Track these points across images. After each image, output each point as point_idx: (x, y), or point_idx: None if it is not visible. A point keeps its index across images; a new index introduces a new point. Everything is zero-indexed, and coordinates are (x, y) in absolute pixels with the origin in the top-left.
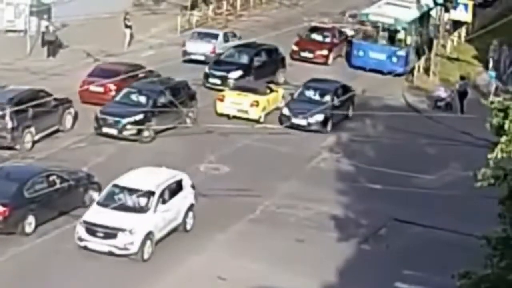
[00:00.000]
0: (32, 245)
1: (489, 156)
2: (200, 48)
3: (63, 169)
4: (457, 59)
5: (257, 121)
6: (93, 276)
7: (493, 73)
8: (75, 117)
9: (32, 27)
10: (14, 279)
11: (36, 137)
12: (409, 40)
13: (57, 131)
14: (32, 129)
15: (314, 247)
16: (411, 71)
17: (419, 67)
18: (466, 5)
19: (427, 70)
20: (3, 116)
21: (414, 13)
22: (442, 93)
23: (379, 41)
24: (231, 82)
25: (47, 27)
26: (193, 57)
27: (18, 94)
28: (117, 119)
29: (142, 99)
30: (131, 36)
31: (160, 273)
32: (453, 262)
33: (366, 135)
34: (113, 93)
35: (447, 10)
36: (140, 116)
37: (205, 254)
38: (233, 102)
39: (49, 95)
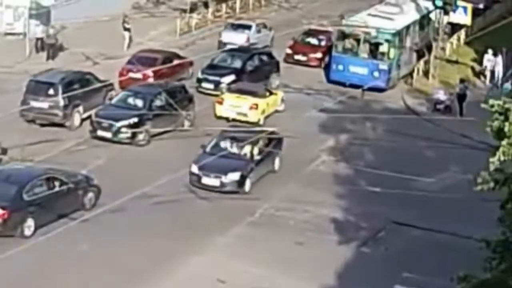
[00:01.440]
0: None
1: (491, 159)
2: (235, 39)
3: (63, 172)
4: (456, 62)
5: (256, 124)
6: (92, 278)
7: (509, 86)
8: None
9: (32, 30)
10: (12, 281)
11: (84, 115)
12: (392, 53)
13: None
14: (81, 108)
15: (313, 250)
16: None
17: (418, 69)
18: (465, 8)
19: (426, 73)
20: (55, 95)
21: (399, 24)
22: (441, 95)
23: (360, 54)
24: (224, 87)
25: (47, 30)
26: (228, 46)
27: (69, 75)
28: (111, 122)
29: (138, 102)
30: (130, 39)
31: (159, 275)
32: (453, 265)
33: (366, 138)
34: (151, 79)
35: (446, 13)
36: (134, 120)
37: (205, 257)
38: (232, 105)
39: (95, 77)
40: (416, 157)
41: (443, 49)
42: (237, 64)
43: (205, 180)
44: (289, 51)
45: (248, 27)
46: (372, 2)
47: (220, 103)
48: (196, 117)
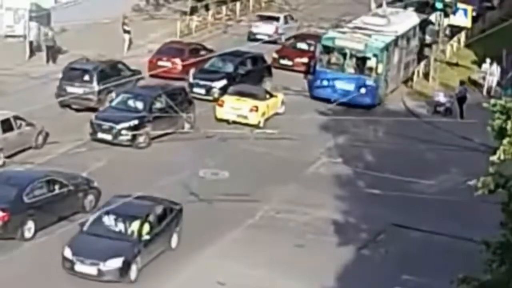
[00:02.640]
0: (32, 250)
1: (491, 158)
2: (264, 29)
3: (63, 174)
4: (456, 64)
5: (256, 126)
6: (92, 282)
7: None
8: None
9: (32, 32)
10: (13, 283)
11: None
12: (380, 68)
13: None
14: (113, 94)
15: (313, 252)
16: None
17: (418, 72)
18: (465, 10)
19: (426, 75)
20: (90, 81)
21: (388, 38)
22: (441, 98)
23: (346, 69)
24: (215, 91)
25: (45, 33)
26: (258, 36)
27: (102, 63)
28: (111, 124)
29: (139, 104)
30: (130, 41)
31: (159, 278)
32: (453, 267)
33: (366, 140)
34: (179, 67)
35: (446, 16)
36: (135, 122)
37: (205, 259)
38: (233, 107)
39: (126, 66)
40: (416, 159)
41: (443, 51)
42: (229, 68)
43: (79, 267)
44: (275, 55)
45: (276, 19)
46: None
47: (221, 105)
48: (196, 119)
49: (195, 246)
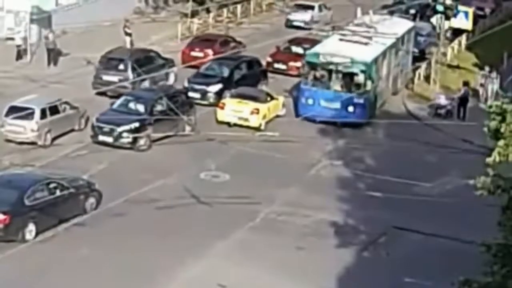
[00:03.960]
0: (33, 252)
1: (487, 160)
2: (301, 17)
3: (64, 177)
4: (457, 67)
5: (257, 129)
6: (93, 283)
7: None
8: (176, 76)
9: (33, 35)
10: (14, 285)
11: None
12: (369, 85)
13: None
14: (147, 82)
15: (314, 255)
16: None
17: (419, 74)
18: (466, 13)
19: (427, 78)
20: (125, 70)
21: (376, 50)
22: (442, 100)
23: (333, 86)
24: (211, 96)
25: (46, 36)
26: (295, 23)
27: (136, 53)
28: (112, 127)
29: (140, 107)
30: (131, 43)
31: (160, 280)
32: (454, 269)
33: (367, 143)
34: (210, 57)
35: (447, 18)
36: (136, 124)
37: (206, 262)
38: (234, 110)
39: (158, 55)
40: (417, 161)
41: (444, 54)
42: (224, 72)
43: None
44: (269, 59)
45: (312, 7)
46: (372, 8)
47: (222, 108)
48: (197, 122)
49: (196, 248)
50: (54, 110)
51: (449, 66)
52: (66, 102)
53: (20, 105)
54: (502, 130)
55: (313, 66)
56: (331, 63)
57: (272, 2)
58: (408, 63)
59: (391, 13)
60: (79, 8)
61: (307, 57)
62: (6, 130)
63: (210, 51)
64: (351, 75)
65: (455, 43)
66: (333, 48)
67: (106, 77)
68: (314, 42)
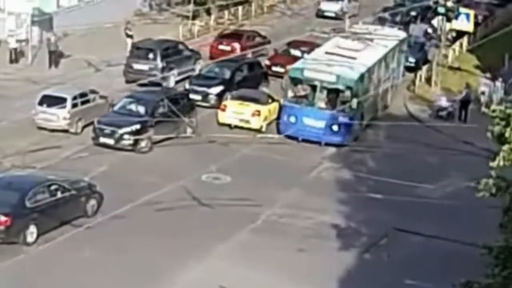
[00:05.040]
0: (34, 254)
1: (491, 164)
2: (331, 7)
3: (65, 179)
4: (458, 69)
5: (258, 131)
6: (94, 285)
7: None
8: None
9: (35, 37)
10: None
11: (178, 78)
12: (355, 103)
13: (189, 76)
14: (175, 71)
15: (315, 257)
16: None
17: (421, 76)
18: (467, 15)
19: (428, 80)
20: (155, 58)
21: (364, 65)
22: (443, 102)
23: (317, 103)
24: (212, 97)
25: (48, 37)
26: (325, 14)
27: (165, 43)
28: (113, 129)
29: (141, 109)
30: (133, 45)
31: (161, 282)
32: (455, 271)
33: (368, 145)
34: (237, 51)
35: (449, 20)
36: (137, 126)
37: (207, 263)
38: (235, 111)
39: (186, 47)
40: (418, 163)
41: (446, 56)
42: (226, 74)
43: None
44: (267, 62)
45: None
46: (374, 9)
47: (223, 110)
48: (198, 124)
49: (197, 250)
50: (84, 99)
51: (450, 68)
52: (95, 92)
53: (52, 94)
54: (506, 134)
55: (296, 82)
56: (316, 79)
57: (274, 4)
58: (399, 76)
59: (383, 23)
60: (80, 10)
61: (290, 72)
62: (39, 118)
63: (237, 45)
64: (336, 92)
65: (456, 45)
66: (318, 63)
67: (136, 66)
68: (313, 45)
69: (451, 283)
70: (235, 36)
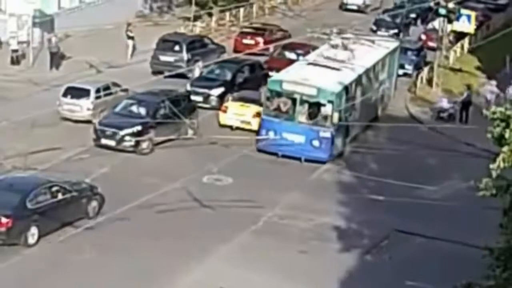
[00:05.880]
0: (35, 256)
1: (491, 166)
2: (355, 0)
3: (66, 180)
4: (460, 70)
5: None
6: (95, 286)
7: None
8: None
9: (36, 38)
10: None
11: (202, 70)
12: (336, 117)
13: None
14: (200, 63)
15: (316, 258)
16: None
17: (422, 78)
18: (469, 16)
19: (430, 81)
20: (181, 51)
21: (348, 77)
22: (445, 104)
23: (297, 118)
24: (213, 99)
25: (49, 39)
26: (348, 7)
27: (190, 37)
28: (115, 130)
29: (142, 110)
30: (134, 47)
31: (162, 283)
32: (456, 273)
33: (369, 146)
34: (261, 45)
35: (450, 21)
36: (138, 128)
37: (208, 265)
38: (236, 113)
39: (211, 40)
40: (420, 165)
41: (447, 57)
42: (227, 76)
43: None
44: (264, 66)
45: None
46: (375, 12)
47: (224, 111)
48: (199, 125)
49: (198, 251)
50: (107, 91)
51: (452, 69)
52: (117, 84)
53: (76, 85)
54: (506, 136)
55: (275, 94)
56: (295, 92)
57: (275, 6)
58: (391, 87)
59: (380, 25)
60: (81, 12)
61: (269, 84)
62: (63, 109)
63: (260, 39)
64: (317, 106)
65: (457, 47)
66: (298, 75)
67: (163, 58)
68: (308, 47)
69: (452, 284)
70: (259, 30)
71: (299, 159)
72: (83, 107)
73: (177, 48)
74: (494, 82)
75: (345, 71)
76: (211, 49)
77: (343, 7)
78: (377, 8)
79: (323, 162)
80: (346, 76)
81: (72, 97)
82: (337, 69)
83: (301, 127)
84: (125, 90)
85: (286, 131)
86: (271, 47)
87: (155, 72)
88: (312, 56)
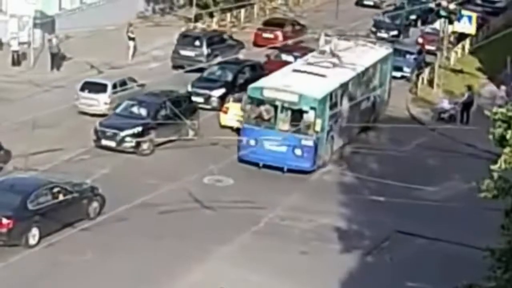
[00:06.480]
0: (36, 257)
1: (493, 167)
2: None
3: (67, 181)
4: (461, 71)
5: None
6: (97, 287)
7: None
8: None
9: (37, 39)
10: None
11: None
12: (319, 125)
13: None
14: (219, 58)
15: (317, 259)
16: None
17: (423, 79)
18: (470, 17)
19: (431, 82)
20: (201, 46)
21: (332, 84)
22: (446, 104)
23: (278, 126)
24: (214, 100)
25: (50, 40)
26: (365, 2)
27: (209, 33)
28: (115, 131)
29: (143, 111)
30: (135, 48)
31: (163, 283)
32: (457, 274)
33: (370, 147)
34: (280, 38)
35: (451, 22)
36: (139, 129)
37: (209, 266)
38: (237, 114)
39: (230, 36)
40: (421, 166)
41: (448, 58)
42: (228, 77)
43: None
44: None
45: None
46: (376, 11)
47: (225, 112)
48: (200, 126)
49: (199, 252)
50: (123, 85)
51: (453, 70)
52: (133, 79)
53: (94, 80)
54: (508, 137)
55: (256, 102)
56: (276, 99)
57: (276, 7)
58: (383, 94)
59: (374, 33)
60: (82, 13)
61: (249, 91)
62: (80, 103)
63: (279, 33)
64: (300, 113)
65: (458, 48)
66: (280, 82)
67: (183, 52)
68: (305, 50)
69: (453, 285)
70: (278, 25)
71: (281, 169)
72: (100, 101)
73: (197, 43)
74: (504, 88)
75: (331, 78)
76: (230, 44)
77: (359, 3)
78: (393, 4)
79: (307, 172)
80: (331, 83)
81: (89, 92)
82: (323, 76)
83: (283, 136)
84: (142, 86)
85: (267, 140)
86: (289, 41)
87: (176, 66)
88: (298, 62)
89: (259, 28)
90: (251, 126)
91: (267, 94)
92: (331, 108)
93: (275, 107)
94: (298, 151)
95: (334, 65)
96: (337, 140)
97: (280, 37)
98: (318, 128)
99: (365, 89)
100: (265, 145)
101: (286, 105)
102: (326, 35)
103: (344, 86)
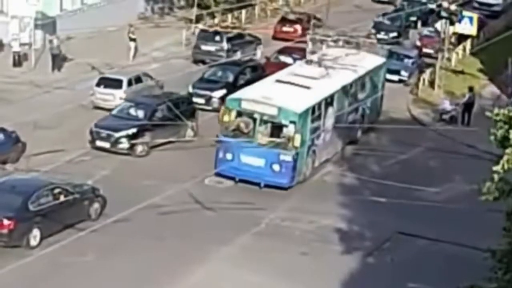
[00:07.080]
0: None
1: (495, 168)
2: None
3: (68, 182)
4: (462, 72)
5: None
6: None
7: None
8: (262, 52)
9: (38, 40)
10: None
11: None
12: (298, 140)
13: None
14: (239, 53)
15: (318, 260)
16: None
17: (424, 80)
18: (471, 18)
19: (432, 83)
20: (221, 41)
21: (315, 97)
22: (447, 105)
23: (257, 139)
24: (215, 101)
25: (51, 40)
26: None
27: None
28: (110, 132)
29: (140, 113)
30: (136, 49)
31: (164, 284)
32: (458, 275)
33: (371, 148)
34: (299, 32)
35: (452, 23)
36: (133, 130)
37: (209, 266)
38: None
39: (248, 33)
40: (422, 167)
41: (449, 59)
42: (229, 78)
43: None
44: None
45: None
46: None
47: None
48: (199, 127)
49: (200, 253)
50: (138, 81)
51: (454, 71)
52: (147, 75)
53: (109, 76)
54: (510, 137)
55: (235, 114)
56: (255, 112)
57: (277, 8)
58: (374, 107)
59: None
60: (83, 14)
61: (227, 102)
62: (96, 98)
63: (298, 27)
64: (279, 127)
65: (459, 49)
66: (260, 94)
67: (204, 47)
68: (304, 51)
69: (454, 286)
70: (296, 19)
71: (258, 184)
72: (115, 96)
73: (217, 38)
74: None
75: (315, 90)
76: (248, 40)
77: None
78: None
79: (284, 189)
80: (315, 95)
81: (105, 87)
82: (307, 87)
83: (261, 150)
84: (157, 81)
85: (245, 154)
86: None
87: (197, 61)
88: (283, 73)
89: (279, 22)
90: (227, 139)
91: (246, 106)
92: (313, 121)
93: (254, 120)
94: (276, 167)
95: (321, 76)
96: (320, 155)
97: (299, 31)
98: (297, 143)
99: (353, 100)
100: (242, 159)
101: (265, 118)
102: (313, 40)
103: (329, 98)
